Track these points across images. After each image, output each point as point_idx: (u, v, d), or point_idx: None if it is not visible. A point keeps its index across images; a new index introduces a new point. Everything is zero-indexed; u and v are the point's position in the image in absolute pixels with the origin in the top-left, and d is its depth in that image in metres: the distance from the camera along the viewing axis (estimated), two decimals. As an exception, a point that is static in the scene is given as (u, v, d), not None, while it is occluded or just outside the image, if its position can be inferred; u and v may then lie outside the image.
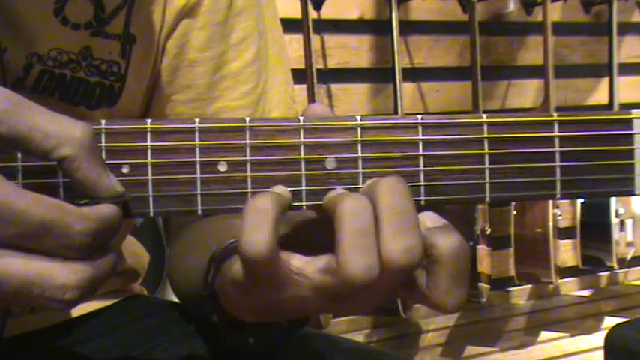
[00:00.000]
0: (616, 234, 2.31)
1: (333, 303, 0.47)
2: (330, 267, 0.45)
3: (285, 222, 0.49)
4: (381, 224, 0.44)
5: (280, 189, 0.48)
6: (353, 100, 2.22)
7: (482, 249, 2.11)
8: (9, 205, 0.42)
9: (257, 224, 0.44)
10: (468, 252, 0.46)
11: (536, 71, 2.40)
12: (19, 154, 0.46)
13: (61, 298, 0.43)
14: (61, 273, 0.43)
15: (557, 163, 0.49)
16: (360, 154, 0.48)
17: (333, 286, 0.45)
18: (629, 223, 2.33)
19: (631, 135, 0.49)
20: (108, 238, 0.45)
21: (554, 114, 0.49)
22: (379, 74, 2.23)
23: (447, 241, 0.45)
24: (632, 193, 0.49)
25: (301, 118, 0.48)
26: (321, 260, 0.46)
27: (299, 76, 1.86)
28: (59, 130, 0.43)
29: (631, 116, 0.49)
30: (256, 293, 0.48)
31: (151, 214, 0.47)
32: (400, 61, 2.01)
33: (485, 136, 0.48)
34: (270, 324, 0.54)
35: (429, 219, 0.47)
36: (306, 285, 0.46)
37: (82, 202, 0.44)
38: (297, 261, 0.46)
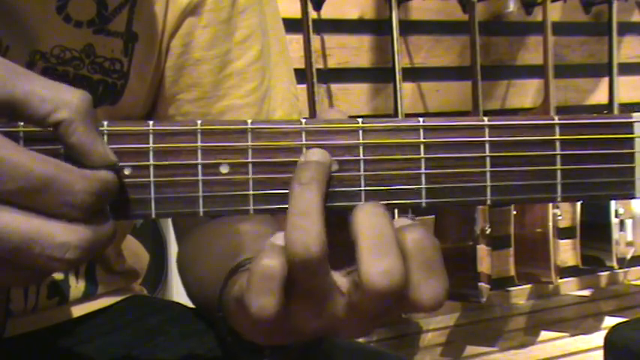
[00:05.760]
0: (616, 234, 2.30)
1: (363, 320, 0.46)
2: (354, 277, 0.45)
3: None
4: (358, 248, 0.44)
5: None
6: (353, 100, 2.22)
7: (482, 249, 2.10)
8: (9, 160, 0.42)
9: (262, 288, 0.44)
10: (435, 244, 0.45)
11: (536, 71, 2.40)
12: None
13: (61, 257, 0.43)
14: (62, 231, 0.43)
15: (558, 166, 0.49)
16: (361, 157, 0.48)
17: (361, 299, 0.44)
18: (629, 223, 2.33)
19: (632, 138, 0.49)
20: (106, 202, 0.45)
21: (556, 117, 0.49)
22: (379, 74, 2.23)
23: (411, 235, 0.44)
24: (632, 197, 0.49)
25: (303, 121, 0.48)
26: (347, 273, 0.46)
27: (299, 76, 1.85)
28: (56, 95, 0.43)
29: (632, 120, 0.49)
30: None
31: (153, 216, 0.47)
32: (400, 61, 2.01)
33: (487, 139, 0.48)
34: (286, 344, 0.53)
35: (398, 221, 0.46)
36: (341, 304, 0.46)
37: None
38: (339, 279, 0.46)
